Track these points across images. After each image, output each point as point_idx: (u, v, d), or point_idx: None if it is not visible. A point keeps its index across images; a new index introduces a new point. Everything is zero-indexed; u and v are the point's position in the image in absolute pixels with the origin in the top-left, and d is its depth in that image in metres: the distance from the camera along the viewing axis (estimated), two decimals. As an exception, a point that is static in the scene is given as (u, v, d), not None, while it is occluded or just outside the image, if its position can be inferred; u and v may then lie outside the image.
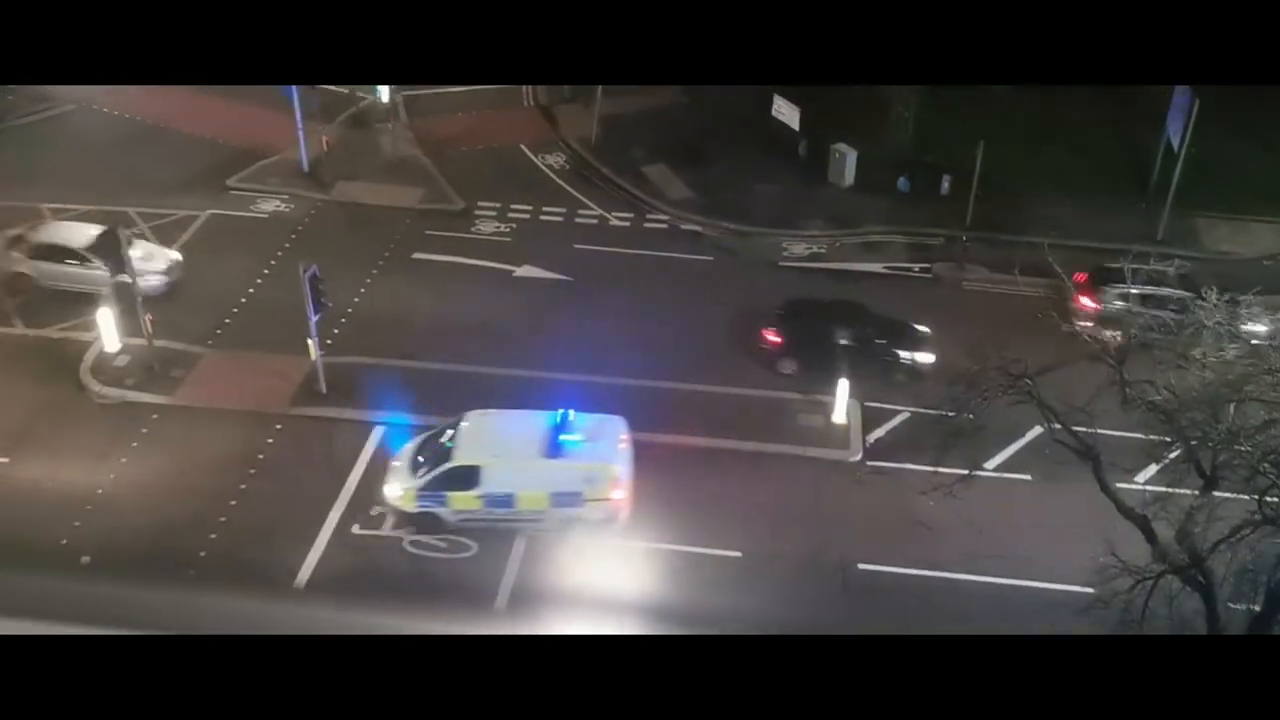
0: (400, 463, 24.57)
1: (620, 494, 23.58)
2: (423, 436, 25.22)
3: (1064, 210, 34.75)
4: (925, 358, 28.45)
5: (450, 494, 23.58)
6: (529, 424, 24.07)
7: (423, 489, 23.67)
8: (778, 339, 28.85)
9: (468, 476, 23.48)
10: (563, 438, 23.52)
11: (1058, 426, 20.35)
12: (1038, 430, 26.44)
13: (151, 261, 30.56)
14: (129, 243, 28.95)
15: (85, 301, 29.61)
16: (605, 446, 23.81)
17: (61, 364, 28.34)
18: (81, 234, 30.73)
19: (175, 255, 31.68)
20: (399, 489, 24.03)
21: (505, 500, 23.49)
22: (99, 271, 29.29)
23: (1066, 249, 30.24)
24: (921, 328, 29.55)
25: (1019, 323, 29.57)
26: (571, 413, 23.91)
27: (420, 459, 24.24)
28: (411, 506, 23.90)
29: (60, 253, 30.25)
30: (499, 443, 23.92)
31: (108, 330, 28.48)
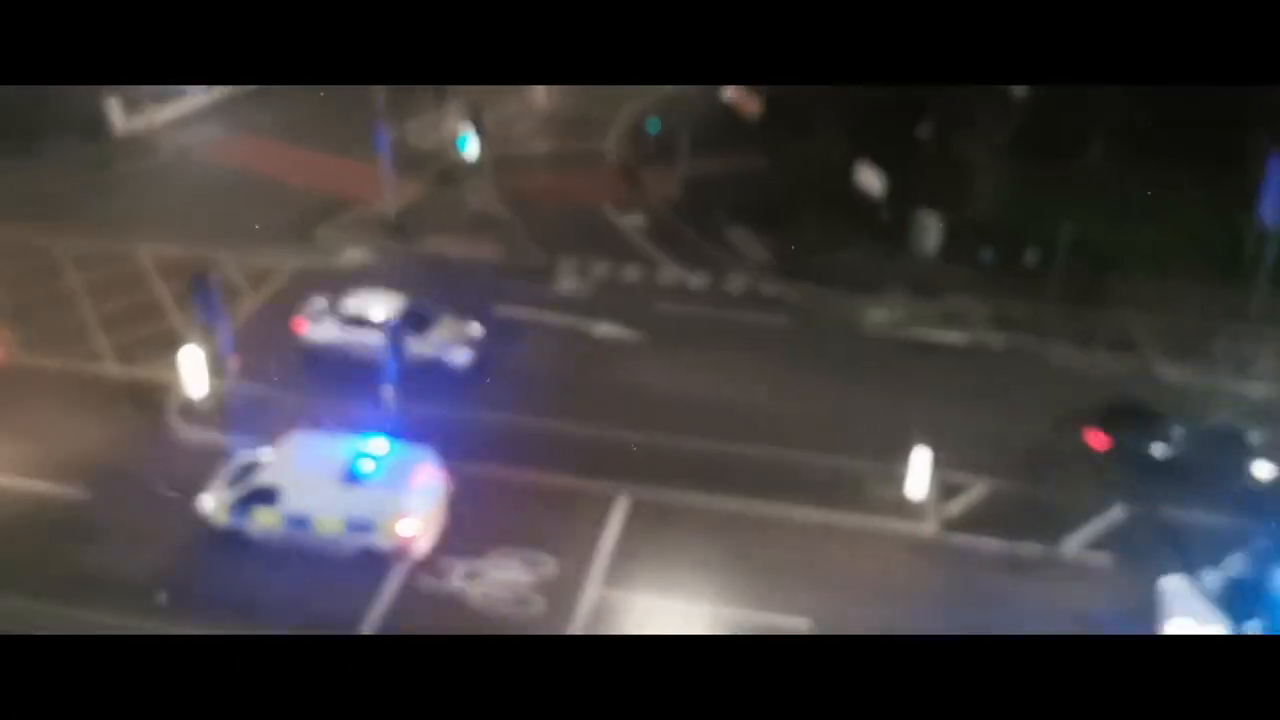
0: (222, 477, 24.96)
1: (411, 525, 23.66)
2: (245, 453, 25.51)
3: (1153, 285, 34.03)
4: (1267, 471, 25.89)
5: (255, 510, 24.09)
6: (336, 449, 24.44)
7: (232, 504, 24.24)
8: (1103, 442, 27.42)
9: (269, 495, 23.95)
10: (359, 465, 23.86)
11: (1144, 506, 19.75)
12: (1122, 509, 25.80)
13: (458, 336, 30.54)
14: (434, 320, 30.01)
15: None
16: (400, 478, 23.98)
17: (150, 402, 29.02)
18: (389, 305, 30.69)
19: (477, 328, 31.23)
20: (213, 502, 24.46)
21: (303, 522, 23.93)
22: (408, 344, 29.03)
23: (1155, 325, 29.62)
24: (1254, 434, 26.86)
25: (1104, 398, 29.01)
26: (377, 441, 24.43)
27: (236, 474, 24.76)
28: (223, 520, 24.30)
29: (368, 323, 30.25)
30: (303, 465, 24.35)
31: (196, 371, 29.17)
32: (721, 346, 32.51)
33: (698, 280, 36.06)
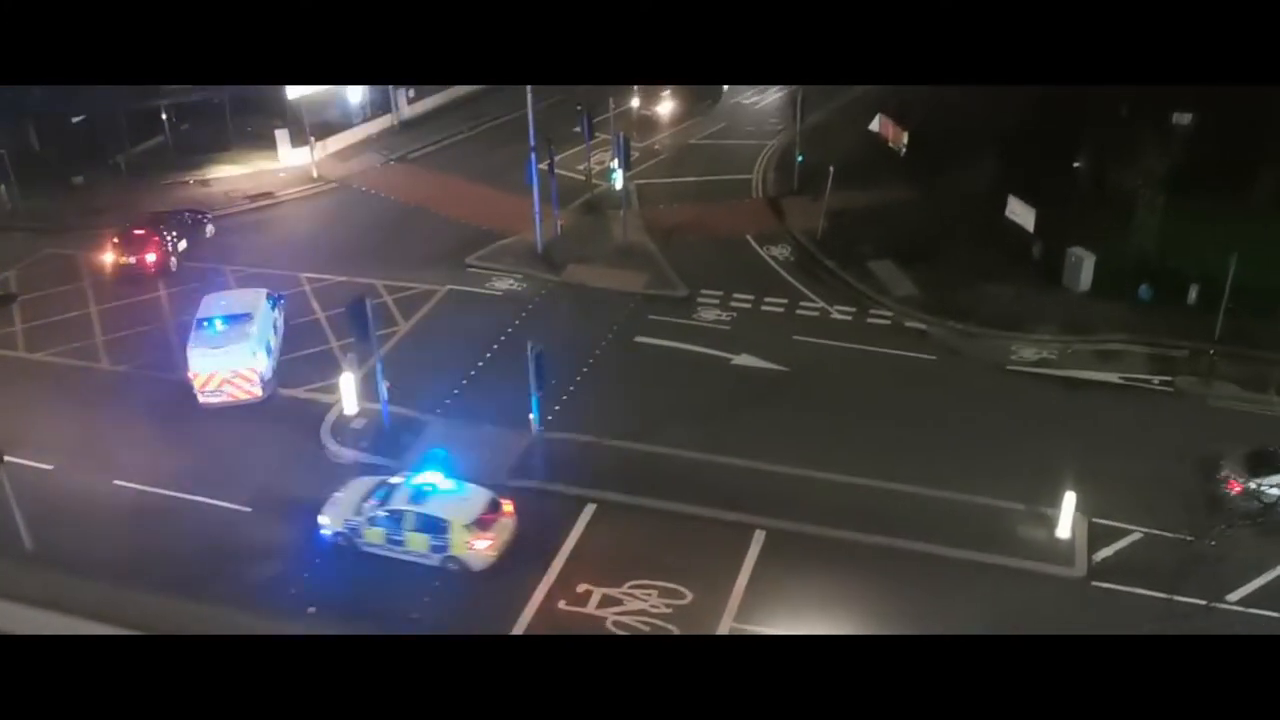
0: None
1: (202, 373, 30.81)
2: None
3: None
4: None
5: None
6: (223, 307, 32.29)
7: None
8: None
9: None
10: (213, 323, 31.47)
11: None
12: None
13: None
14: None
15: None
16: (222, 341, 30.86)
17: (305, 422, 30.18)
18: None
19: None
20: None
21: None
22: None
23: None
24: None
25: (1271, 446, 27.49)
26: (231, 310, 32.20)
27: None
28: None
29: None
30: (204, 308, 32.47)
31: (348, 394, 30.25)
32: (865, 381, 32.07)
33: (840, 312, 35.69)
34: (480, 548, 25.06)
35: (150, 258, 38.32)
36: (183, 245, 39.60)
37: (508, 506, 26.10)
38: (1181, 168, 36.73)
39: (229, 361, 30.68)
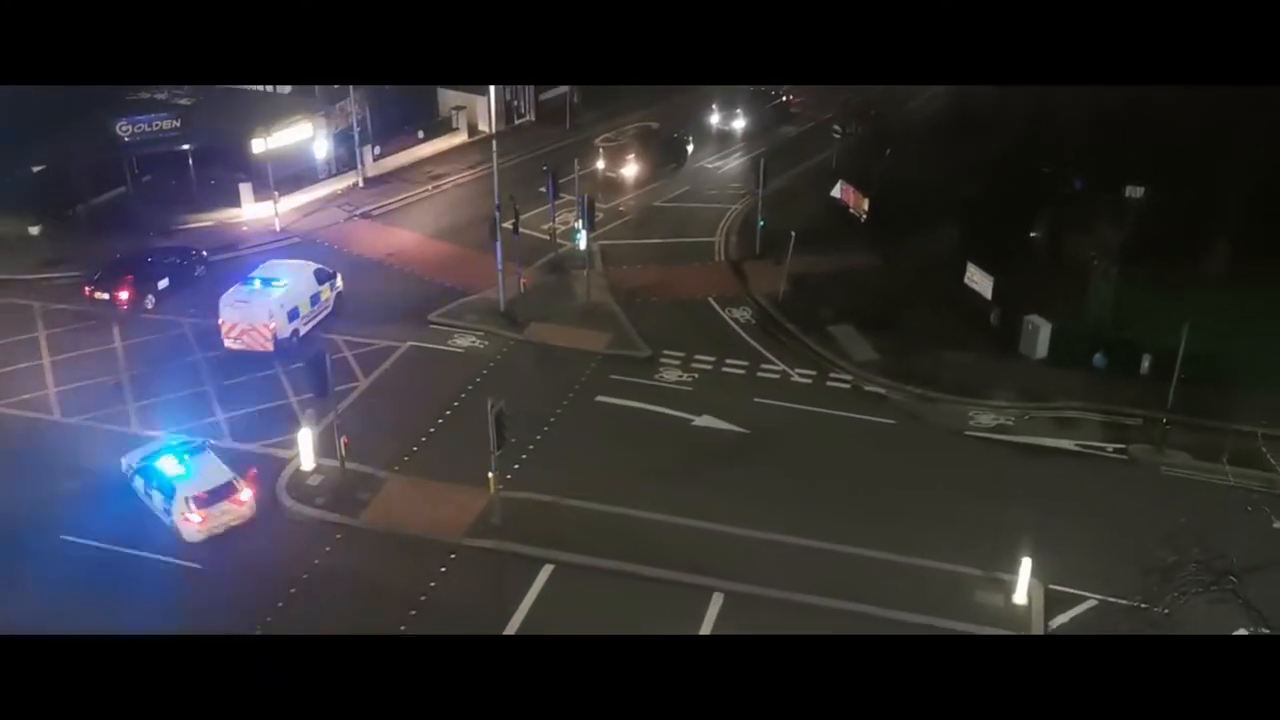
0: None
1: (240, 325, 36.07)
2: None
3: (1278, 398, 32.70)
4: None
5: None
6: (266, 272, 37.48)
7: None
8: None
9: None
10: (251, 281, 36.80)
11: (1266, 632, 18.75)
12: (1242, 634, 24.51)
13: None
14: None
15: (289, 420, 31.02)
16: (255, 298, 36.01)
17: (262, 478, 29.74)
18: None
19: None
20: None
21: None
22: None
23: None
24: None
25: (1224, 515, 27.82)
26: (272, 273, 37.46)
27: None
28: None
29: None
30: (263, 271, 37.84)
31: (305, 450, 29.93)
32: (824, 444, 32.18)
33: (800, 375, 35.88)
34: (192, 521, 27.13)
35: (123, 294, 38.35)
36: (163, 284, 39.58)
37: (244, 495, 27.94)
38: (1135, 239, 37.49)
39: (250, 315, 35.54)
